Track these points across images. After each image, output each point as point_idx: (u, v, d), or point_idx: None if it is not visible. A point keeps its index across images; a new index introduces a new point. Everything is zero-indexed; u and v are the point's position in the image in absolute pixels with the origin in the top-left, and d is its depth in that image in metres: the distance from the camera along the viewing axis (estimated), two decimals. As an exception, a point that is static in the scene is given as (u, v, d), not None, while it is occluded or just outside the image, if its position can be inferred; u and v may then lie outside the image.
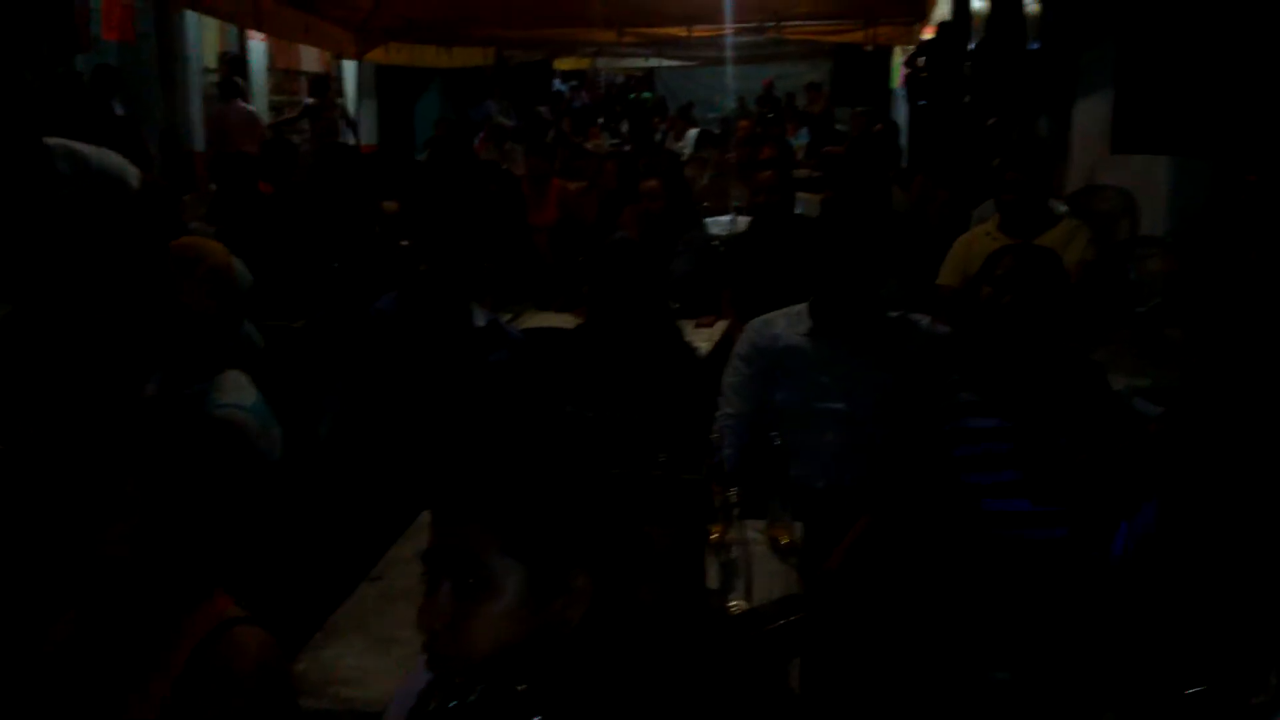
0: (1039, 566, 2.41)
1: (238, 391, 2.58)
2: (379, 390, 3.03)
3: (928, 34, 9.52)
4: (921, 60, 9.10)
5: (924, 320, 2.96)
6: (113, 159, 3.32)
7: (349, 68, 12.09)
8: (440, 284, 3.09)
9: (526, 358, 3.16)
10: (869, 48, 10.38)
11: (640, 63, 15.83)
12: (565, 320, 4.33)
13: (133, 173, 3.32)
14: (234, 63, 10.45)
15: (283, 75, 12.04)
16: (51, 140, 3.08)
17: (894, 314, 2.98)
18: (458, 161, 6.84)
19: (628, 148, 10.57)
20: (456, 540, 1.25)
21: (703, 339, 4.30)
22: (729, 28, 8.83)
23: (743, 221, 5.85)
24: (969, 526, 2.54)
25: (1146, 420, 2.60)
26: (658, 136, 12.19)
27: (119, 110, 7.06)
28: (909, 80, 10.10)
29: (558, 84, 16.84)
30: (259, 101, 10.99)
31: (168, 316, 2.57)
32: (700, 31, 9.09)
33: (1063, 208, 4.77)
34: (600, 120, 14.21)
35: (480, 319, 3.19)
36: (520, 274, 4.98)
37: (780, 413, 2.92)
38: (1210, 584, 2.09)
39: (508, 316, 4.45)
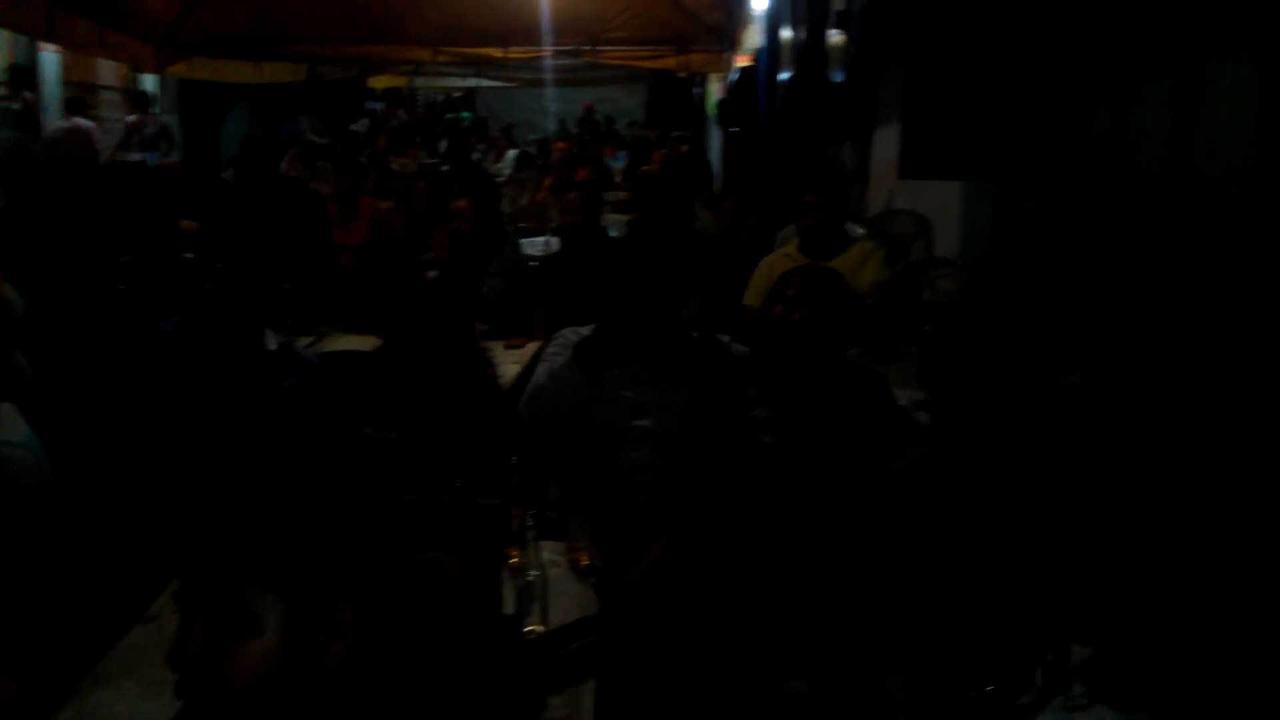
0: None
1: (7, 426, 2.41)
2: (158, 420, 2.87)
3: (741, 62, 9.79)
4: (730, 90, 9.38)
5: (724, 340, 3.01)
6: None
7: (149, 82, 11.55)
8: (226, 304, 2.96)
9: (321, 383, 3.05)
10: (682, 74, 10.61)
11: (459, 82, 15.71)
12: (372, 342, 4.22)
13: None
14: (21, 74, 9.85)
15: (78, 88, 11.43)
16: None
17: (696, 334, 3.02)
18: (261, 179, 6.60)
19: (445, 167, 10.48)
20: (211, 576, 1.19)
21: (513, 360, 4.28)
22: (546, 50, 8.85)
23: (557, 242, 5.86)
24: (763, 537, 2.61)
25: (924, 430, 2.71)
26: (476, 156, 12.12)
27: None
28: (721, 107, 10.36)
29: (369, 103, 16.52)
30: (53, 115, 10.40)
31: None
32: (516, 53, 9.08)
33: (859, 231, 4.97)
34: (418, 139, 14.01)
35: (272, 342, 3.06)
36: (325, 295, 4.84)
37: (591, 433, 2.91)
38: (979, 586, 2.20)
39: (309, 340, 4.32)
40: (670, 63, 9.19)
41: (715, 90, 11.56)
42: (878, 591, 2.40)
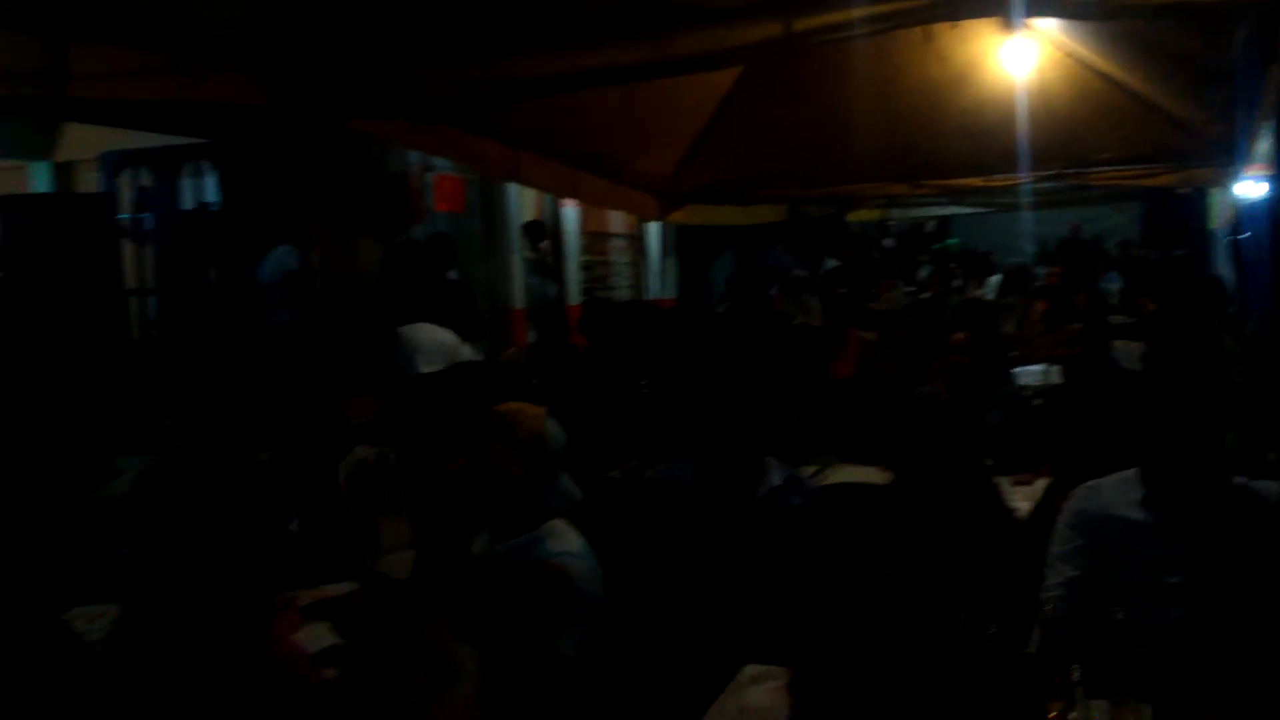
0: None
1: (564, 539, 2.74)
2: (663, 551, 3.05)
3: (1254, 171, 8.94)
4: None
5: (1274, 489, 2.66)
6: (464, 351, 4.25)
7: (652, 228, 12.82)
8: (734, 441, 3.08)
9: (825, 510, 3.08)
10: (1184, 190, 9.86)
11: (935, 210, 15.75)
12: (872, 474, 4.25)
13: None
14: (534, 228, 11.16)
15: (592, 237, 12.85)
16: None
17: (1238, 480, 2.70)
18: (756, 313, 6.98)
19: (925, 295, 10.44)
20: None
21: (1023, 498, 4.09)
22: (1027, 176, 8.61)
23: (1054, 372, 5.61)
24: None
25: None
26: (957, 284, 11.95)
27: (453, 275, 7.69)
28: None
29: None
30: (571, 262, 11.74)
31: (484, 479, 2.76)
32: (997, 182, 8.93)
33: None
34: (895, 268, 14.13)
35: (777, 476, 3.13)
36: (824, 427, 4.97)
37: (1117, 587, 2.69)
38: None
39: (812, 470, 4.43)
40: (1170, 179, 8.58)
41: (1217, 201, 10.63)
42: None
